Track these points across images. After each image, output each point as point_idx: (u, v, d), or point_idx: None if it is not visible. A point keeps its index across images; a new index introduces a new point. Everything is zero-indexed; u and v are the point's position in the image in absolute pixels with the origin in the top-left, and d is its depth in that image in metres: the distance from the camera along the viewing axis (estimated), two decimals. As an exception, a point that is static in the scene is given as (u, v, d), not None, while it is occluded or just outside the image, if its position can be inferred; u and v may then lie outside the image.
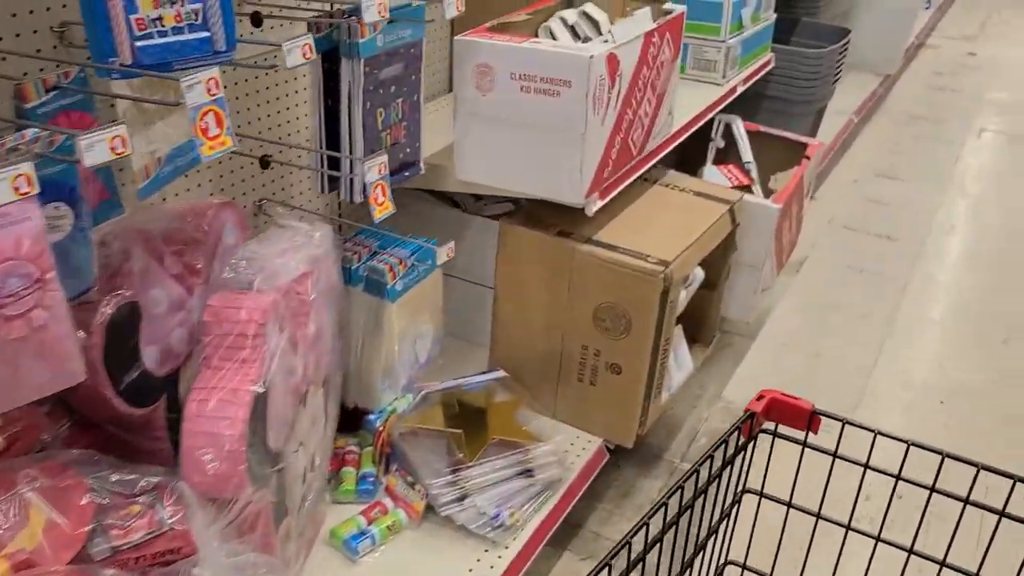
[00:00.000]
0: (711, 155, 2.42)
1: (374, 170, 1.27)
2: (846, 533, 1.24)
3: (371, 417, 1.65)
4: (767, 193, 2.33)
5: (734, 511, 1.28)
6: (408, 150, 1.52)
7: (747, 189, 2.32)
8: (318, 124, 1.41)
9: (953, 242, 3.09)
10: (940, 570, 1.18)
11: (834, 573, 1.29)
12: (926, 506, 1.16)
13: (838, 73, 2.70)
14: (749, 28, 2.29)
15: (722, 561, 1.32)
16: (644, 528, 1.00)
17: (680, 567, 1.15)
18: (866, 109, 3.81)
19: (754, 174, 2.35)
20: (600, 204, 1.66)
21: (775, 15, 2.47)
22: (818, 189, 3.40)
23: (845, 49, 2.70)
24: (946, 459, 1.12)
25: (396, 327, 1.57)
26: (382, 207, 1.29)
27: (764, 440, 1.22)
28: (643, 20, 1.64)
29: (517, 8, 1.79)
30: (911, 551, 1.20)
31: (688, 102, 2.18)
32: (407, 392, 1.72)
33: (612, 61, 1.52)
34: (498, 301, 1.83)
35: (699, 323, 2.09)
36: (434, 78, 2.10)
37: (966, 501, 1.12)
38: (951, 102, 4.43)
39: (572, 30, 1.85)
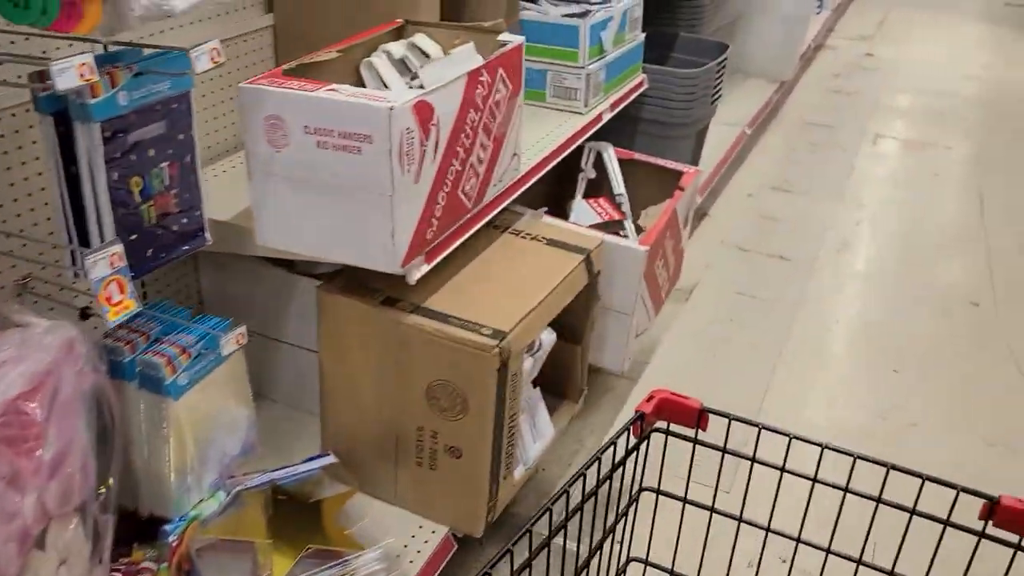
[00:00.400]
0: (581, 187, 2.23)
1: (101, 264, 1.04)
2: (738, 526, 1.29)
3: (167, 528, 1.41)
4: (639, 229, 2.16)
5: (631, 510, 1.31)
6: (185, 220, 1.29)
7: (618, 225, 2.14)
8: (59, 199, 1.17)
9: (845, 261, 2.98)
10: (825, 557, 1.26)
11: (729, 565, 1.35)
12: (809, 498, 1.23)
13: (717, 92, 2.55)
14: (612, 51, 2.12)
15: (624, 560, 1.35)
16: (527, 535, 0.99)
17: (574, 569, 1.16)
18: (761, 118, 3.69)
19: (626, 207, 2.17)
20: (426, 269, 1.45)
21: (643, 34, 2.30)
22: (712, 205, 3.27)
23: (723, 67, 2.55)
24: (825, 450, 1.19)
25: (185, 425, 1.34)
26: (118, 308, 1.06)
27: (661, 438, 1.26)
28: (464, 58, 1.43)
29: (342, 39, 1.57)
30: (798, 540, 1.27)
31: (549, 134, 1.99)
32: (217, 490, 1.49)
33: (423, 110, 1.31)
34: (325, 375, 1.60)
35: (564, 379, 1.90)
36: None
37: (845, 490, 1.19)
38: (848, 106, 4.36)
39: (402, 64, 1.64)
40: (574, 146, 2.02)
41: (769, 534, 1.30)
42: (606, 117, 2.13)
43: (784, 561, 1.33)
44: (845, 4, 6.02)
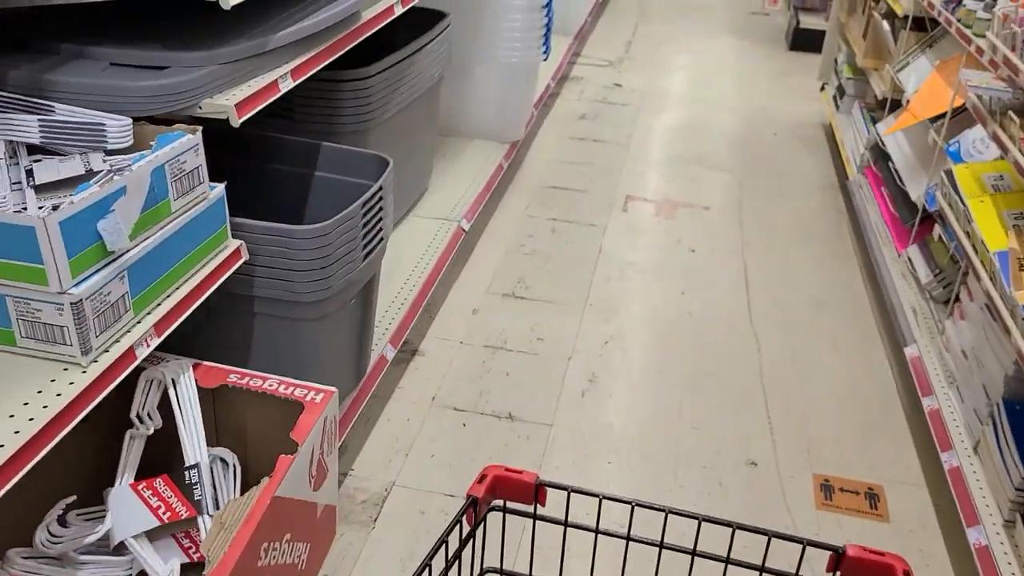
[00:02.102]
0: (128, 460, 1.37)
1: None
2: None
3: None
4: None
5: None
6: None
7: (188, 524, 1.30)
8: None
9: (586, 417, 2.29)
10: None
11: None
12: (658, 561, 1.19)
13: (376, 238, 1.75)
14: (141, 242, 1.27)
15: None
16: None
17: None
18: (485, 200, 2.97)
19: (205, 487, 1.34)
20: None
21: (221, 185, 1.45)
22: (424, 338, 2.50)
23: (379, 199, 1.75)
24: (669, 515, 1.15)
25: None
26: None
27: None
28: None
29: None
30: None
31: (27, 410, 1.11)
32: None
33: None
34: None
35: None
36: None
37: (693, 553, 1.16)
38: (595, 158, 3.74)
39: None
40: (67, 428, 1.15)
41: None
42: (144, 353, 1.28)
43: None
44: (590, 25, 5.47)
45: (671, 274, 2.89)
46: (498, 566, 1.24)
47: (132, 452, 1.39)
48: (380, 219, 1.72)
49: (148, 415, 1.39)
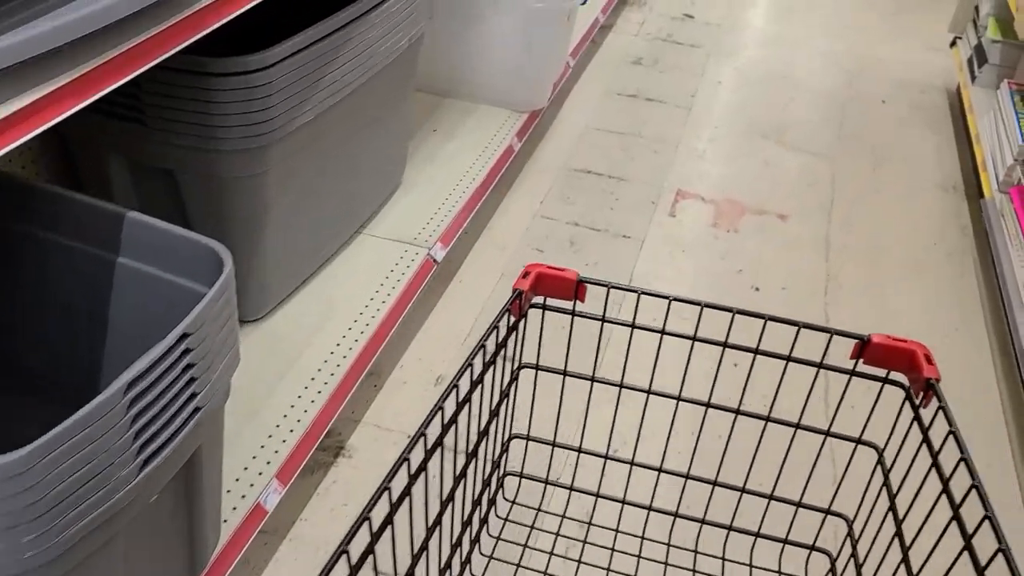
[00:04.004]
0: None
1: None
2: (619, 391, 1.35)
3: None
4: None
5: (512, 389, 1.35)
6: None
7: None
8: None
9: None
10: (705, 411, 1.31)
11: (611, 429, 1.35)
12: (690, 353, 1.25)
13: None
14: None
15: (507, 436, 1.41)
16: (421, 438, 0.99)
17: (465, 458, 1.16)
18: (479, 203, 2.21)
19: None
20: None
21: None
22: (347, 443, 1.80)
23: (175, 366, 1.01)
24: (705, 309, 1.27)
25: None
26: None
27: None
28: None
29: None
30: (679, 398, 1.32)
31: None
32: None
33: None
34: None
35: None
36: None
37: (724, 345, 1.23)
38: (644, 126, 2.90)
39: None
40: None
41: (650, 396, 1.46)
42: None
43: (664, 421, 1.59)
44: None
45: (721, 330, 2.11)
46: (535, 362, 1.34)
47: None
48: (188, 383, 0.98)
49: None
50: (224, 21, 1.15)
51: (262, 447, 1.43)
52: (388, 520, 0.93)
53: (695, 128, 2.93)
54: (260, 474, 1.39)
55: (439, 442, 1.04)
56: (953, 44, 3.27)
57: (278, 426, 1.48)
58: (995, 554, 0.94)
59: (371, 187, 1.92)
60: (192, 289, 1.05)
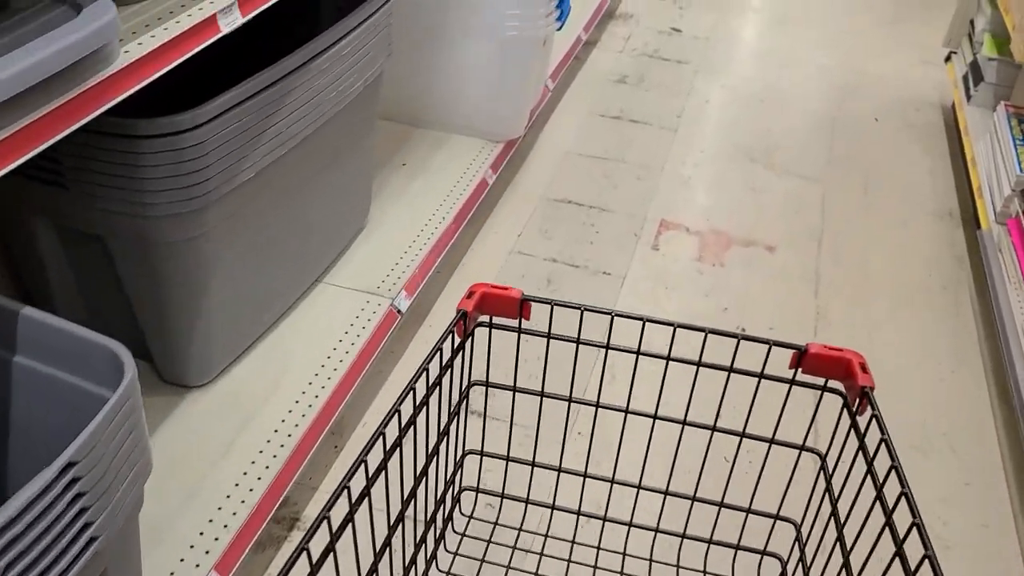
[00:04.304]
0: None
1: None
2: (568, 406, 1.42)
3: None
4: None
5: (463, 407, 1.43)
6: None
7: None
8: None
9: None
10: (653, 423, 1.35)
11: (563, 443, 1.38)
12: (635, 367, 1.29)
13: None
14: None
15: (461, 454, 1.46)
16: (362, 465, 1.01)
17: (414, 476, 1.22)
18: (448, 244, 2.10)
19: None
20: None
21: None
22: (301, 514, 1.70)
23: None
24: (647, 324, 1.48)
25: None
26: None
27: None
28: None
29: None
30: (626, 411, 1.35)
31: None
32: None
33: None
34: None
35: None
36: None
37: (668, 359, 1.28)
38: (627, 151, 2.79)
39: None
40: None
41: (599, 409, 1.56)
42: None
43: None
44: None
45: (706, 379, 2.00)
46: (484, 379, 1.38)
47: None
48: (78, 515, 0.86)
49: None
50: (148, 81, 1.05)
51: (201, 534, 1.33)
52: (330, 548, 0.94)
53: (681, 151, 2.83)
54: (197, 566, 1.28)
55: (382, 467, 1.04)
56: (948, 59, 3.16)
57: (220, 508, 1.37)
58: (922, 560, 0.99)
59: (330, 234, 1.82)
60: (96, 394, 0.94)
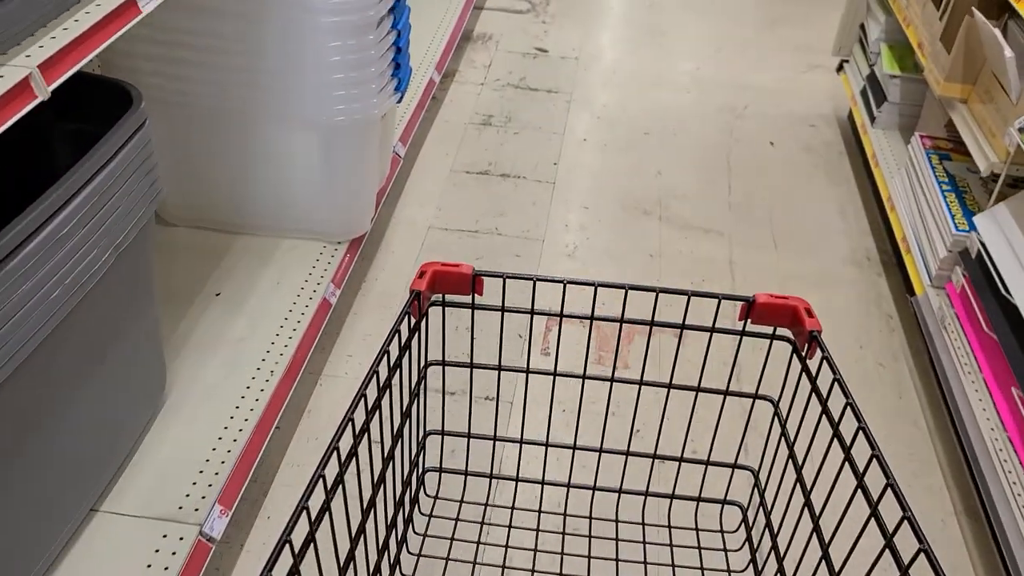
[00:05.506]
0: None
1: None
2: (527, 377, 1.36)
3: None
4: None
5: (421, 388, 1.42)
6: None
7: None
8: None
9: None
10: (611, 386, 1.35)
11: (523, 412, 1.38)
12: (589, 330, 1.38)
13: None
14: None
15: (422, 434, 1.45)
16: (335, 451, 1.05)
17: (382, 462, 1.16)
18: (277, 416, 1.63)
19: None
20: None
21: None
22: None
23: None
24: (599, 288, 1.42)
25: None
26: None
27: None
28: None
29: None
30: (584, 377, 1.33)
31: None
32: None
33: None
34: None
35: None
36: None
37: (621, 321, 1.27)
38: (501, 217, 2.35)
39: None
40: None
41: (557, 377, 1.59)
42: None
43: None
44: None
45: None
46: (440, 358, 1.49)
47: None
48: None
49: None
50: None
51: None
52: (310, 538, 0.92)
53: (562, 210, 2.42)
54: None
55: (353, 452, 1.03)
56: (840, 69, 2.86)
57: None
58: (885, 489, 1.00)
59: (100, 446, 1.32)
60: None
